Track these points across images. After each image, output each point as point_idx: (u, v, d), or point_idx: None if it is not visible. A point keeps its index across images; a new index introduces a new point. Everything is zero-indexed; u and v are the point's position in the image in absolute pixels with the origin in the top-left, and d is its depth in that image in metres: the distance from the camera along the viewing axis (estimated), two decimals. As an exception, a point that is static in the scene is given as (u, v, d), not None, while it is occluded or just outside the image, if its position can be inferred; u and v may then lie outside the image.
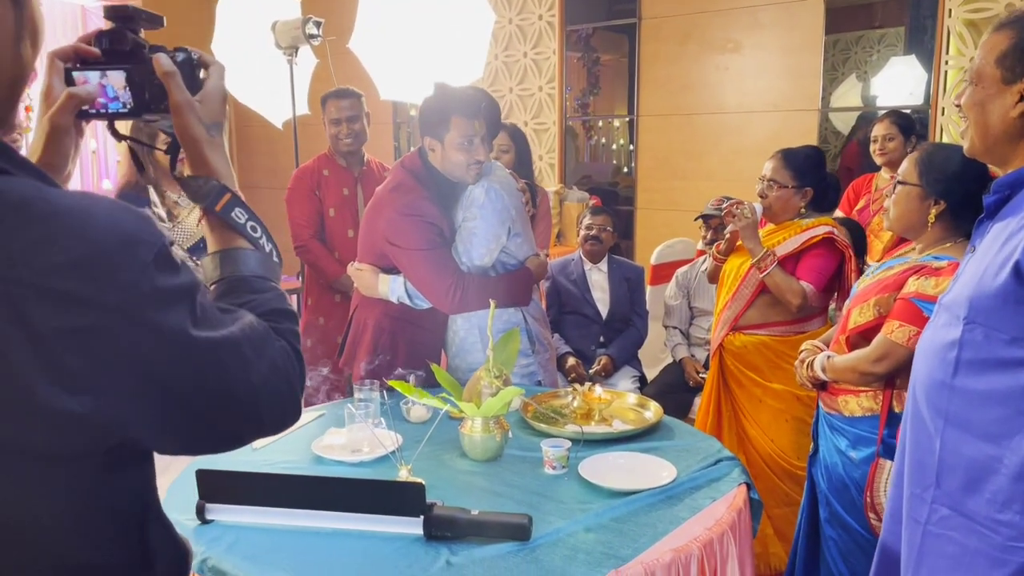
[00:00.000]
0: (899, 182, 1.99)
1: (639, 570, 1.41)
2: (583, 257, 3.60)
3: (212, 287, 0.92)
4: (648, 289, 3.84)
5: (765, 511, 2.59)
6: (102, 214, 0.70)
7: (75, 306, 0.66)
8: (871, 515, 1.98)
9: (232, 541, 1.51)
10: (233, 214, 0.94)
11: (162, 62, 0.92)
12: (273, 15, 3.78)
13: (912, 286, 1.89)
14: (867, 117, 4.48)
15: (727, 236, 2.88)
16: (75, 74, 0.92)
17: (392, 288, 2.33)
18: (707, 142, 4.96)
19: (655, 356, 3.97)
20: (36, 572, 0.74)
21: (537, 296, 2.52)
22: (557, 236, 5.15)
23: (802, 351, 2.22)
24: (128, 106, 0.94)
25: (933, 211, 1.92)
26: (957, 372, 1.36)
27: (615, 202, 5.44)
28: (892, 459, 1.95)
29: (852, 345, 2.05)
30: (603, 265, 3.60)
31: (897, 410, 1.96)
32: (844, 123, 4.70)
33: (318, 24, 3.69)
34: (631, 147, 5.44)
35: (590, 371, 3.40)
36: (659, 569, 1.43)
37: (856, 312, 2.04)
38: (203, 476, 1.57)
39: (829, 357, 2.08)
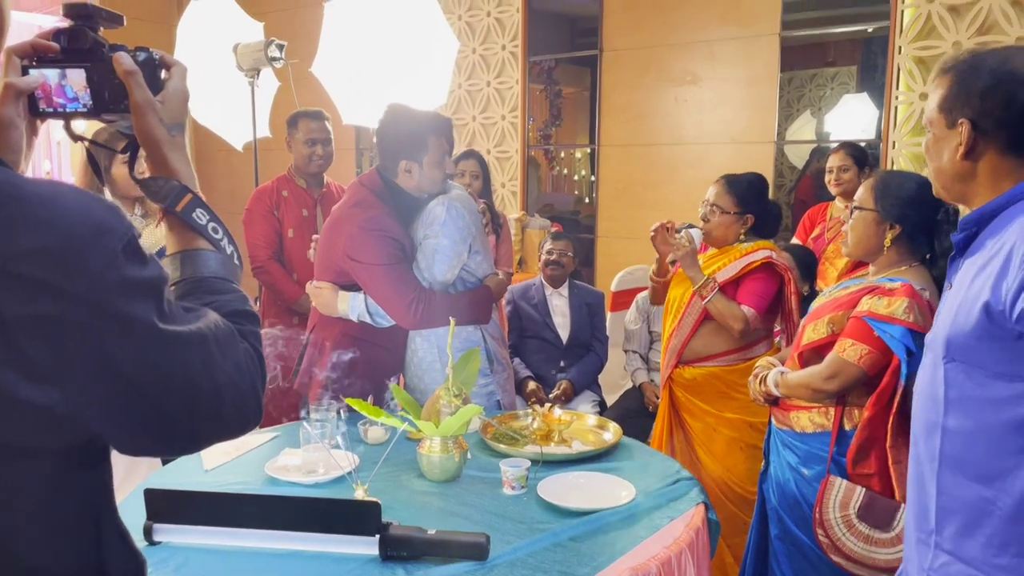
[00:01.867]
0: (856, 208, 2.03)
1: (597, 589, 1.40)
2: (544, 282, 3.61)
3: (172, 288, 0.90)
4: (608, 315, 3.86)
5: (723, 539, 2.59)
6: (72, 202, 0.69)
7: (41, 294, 0.65)
8: (819, 531, 1.99)
9: (180, 563, 1.46)
10: (194, 215, 0.92)
11: (123, 61, 0.90)
12: (235, 37, 3.78)
13: (865, 305, 1.93)
14: (821, 151, 4.59)
15: (663, 260, 2.88)
16: (32, 71, 0.90)
17: (352, 306, 2.31)
18: (666, 172, 5.03)
19: (615, 383, 3.98)
20: None
21: (496, 317, 2.52)
22: (519, 263, 5.16)
23: (757, 366, 2.24)
24: (87, 106, 0.93)
25: (889, 235, 1.97)
26: (947, 412, 1.36)
27: (576, 230, 5.48)
28: (843, 476, 1.98)
29: (805, 361, 2.07)
30: (564, 290, 3.61)
31: (847, 428, 1.99)
32: (799, 157, 4.81)
33: (281, 47, 3.69)
34: (592, 178, 5.49)
35: (550, 395, 3.39)
36: (618, 588, 1.42)
37: (810, 329, 2.07)
38: (151, 496, 1.53)
39: (782, 373, 2.10)
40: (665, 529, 1.64)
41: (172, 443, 0.80)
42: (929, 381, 1.42)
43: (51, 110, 0.93)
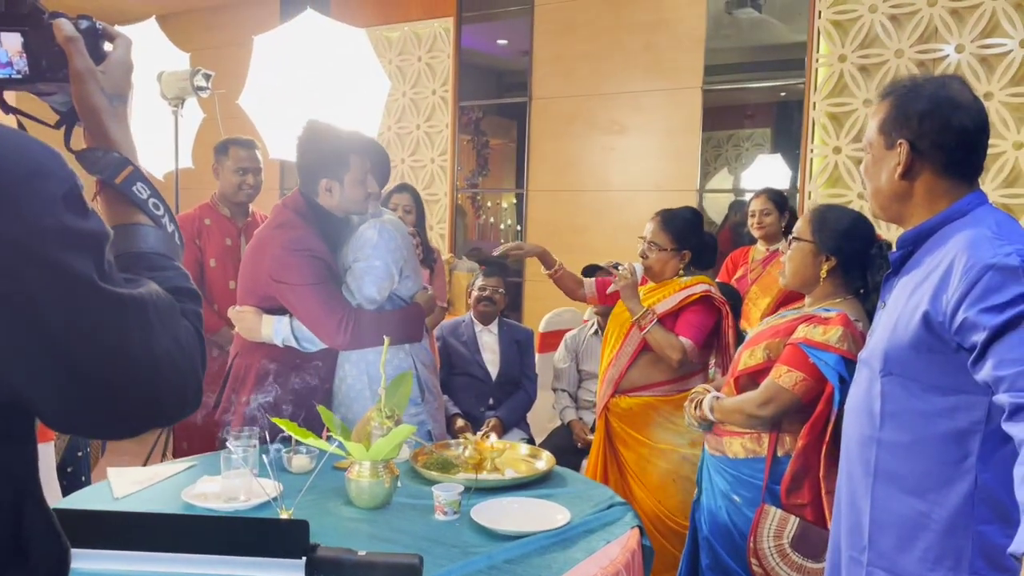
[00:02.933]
0: (794, 239, 2.09)
1: (535, 609, 1.36)
2: (474, 319, 3.58)
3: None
4: (536, 356, 3.84)
5: (653, 574, 2.56)
6: (9, 139, 0.64)
7: None
8: (753, 561, 1.99)
9: (87, 589, 1.35)
10: (134, 188, 0.87)
11: (64, 27, 0.86)
12: (160, 65, 3.69)
13: (801, 332, 1.97)
14: (738, 204, 4.76)
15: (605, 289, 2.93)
16: None
17: (276, 329, 2.23)
18: (592, 217, 5.12)
19: (542, 425, 3.95)
20: None
21: (428, 345, 2.47)
22: (447, 304, 5.13)
23: (693, 392, 2.25)
24: (23, 73, 0.87)
25: (824, 266, 2.02)
26: (883, 425, 1.38)
27: (504, 274, 5.49)
28: (776, 505, 1.99)
29: (741, 387, 2.10)
30: (494, 327, 3.59)
31: (780, 455, 2.01)
32: (717, 213, 4.98)
33: (207, 76, 3.61)
34: (519, 227, 5.54)
35: (479, 433, 3.33)
36: (555, 608, 1.38)
37: (747, 355, 2.10)
38: (62, 516, 1.41)
39: (717, 398, 2.12)
40: (601, 551, 1.61)
41: (99, 418, 0.73)
42: (864, 396, 1.45)
43: None
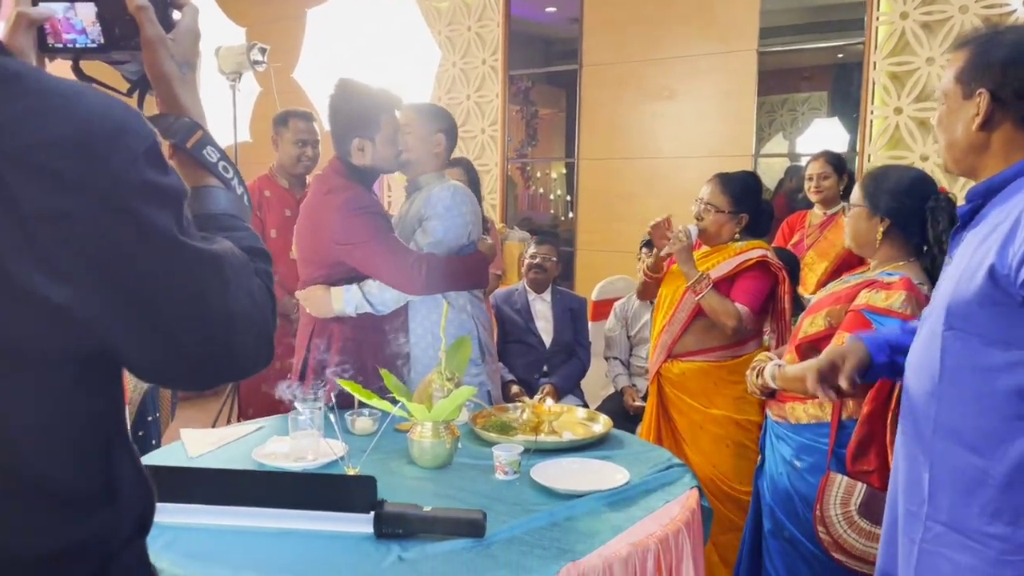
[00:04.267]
0: (851, 204, 2.06)
1: (597, 563, 1.39)
2: (527, 287, 3.61)
3: None
4: (590, 325, 3.86)
5: (710, 539, 2.57)
6: (95, 100, 0.67)
7: (59, 188, 0.63)
8: (820, 529, 1.99)
9: (169, 540, 1.42)
10: (205, 152, 0.91)
11: None
12: (217, 40, 3.76)
13: (863, 298, 1.94)
14: (794, 170, 4.67)
15: (660, 255, 2.89)
16: (41, 4, 0.89)
17: (347, 299, 2.26)
18: (644, 186, 5.08)
19: (595, 392, 3.97)
20: None
21: (485, 308, 2.50)
22: (500, 272, 5.17)
23: (755, 360, 2.24)
24: (96, 41, 0.91)
25: (879, 229, 1.99)
26: (942, 380, 1.36)
27: (556, 242, 5.49)
28: (842, 471, 1.97)
29: (803, 355, 2.08)
30: (547, 295, 3.61)
31: (844, 418, 1.99)
32: (771, 178, 4.89)
33: (263, 51, 3.67)
34: (568, 197, 5.53)
35: (535, 398, 3.37)
36: (616, 563, 1.41)
37: (808, 322, 2.08)
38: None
39: (780, 366, 2.11)
40: (661, 510, 1.63)
41: (178, 367, 0.77)
42: (924, 352, 1.43)
43: (60, 46, 0.91)
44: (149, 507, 0.83)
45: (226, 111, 3.77)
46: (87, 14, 0.90)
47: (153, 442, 2.82)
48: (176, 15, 0.95)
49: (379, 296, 2.27)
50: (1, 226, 0.62)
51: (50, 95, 0.65)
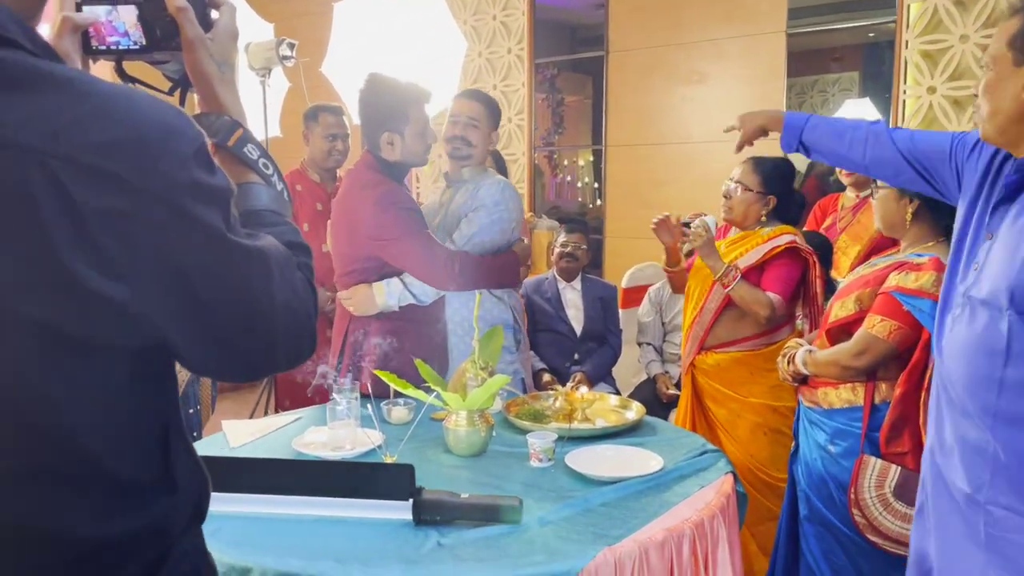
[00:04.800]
0: (878, 187, 2.04)
1: (633, 548, 1.40)
2: (557, 276, 3.62)
3: None
4: (620, 312, 3.85)
5: (747, 527, 2.56)
6: (145, 103, 0.70)
7: (115, 188, 0.66)
8: (855, 512, 1.99)
9: (214, 528, 1.46)
10: (246, 149, 0.94)
11: None
12: (246, 36, 3.80)
13: (893, 280, 1.93)
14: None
15: (678, 248, 2.88)
16: (85, 8, 0.92)
17: (389, 293, 2.29)
18: (673, 171, 5.05)
19: (627, 380, 3.97)
20: (60, 479, 0.72)
21: (519, 297, 2.52)
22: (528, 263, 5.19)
23: (786, 347, 2.24)
24: (139, 43, 0.94)
25: (909, 209, 1.97)
26: (1008, 365, 1.31)
27: (586, 230, 5.49)
28: (876, 455, 1.96)
29: (833, 339, 2.07)
30: (577, 283, 3.62)
31: (877, 402, 1.98)
32: (802, 161, 4.83)
33: (292, 46, 3.71)
34: (596, 184, 5.51)
35: (567, 385, 3.38)
36: (652, 548, 1.42)
37: (837, 306, 2.07)
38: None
39: (810, 351, 2.10)
40: (696, 495, 1.64)
41: (226, 360, 0.80)
42: (979, 336, 1.37)
43: (103, 48, 0.94)
44: (205, 495, 0.86)
45: (256, 107, 3.82)
46: (129, 17, 0.93)
47: (195, 434, 2.88)
48: (214, 14, 0.98)
49: (421, 286, 2.30)
50: (60, 225, 0.64)
51: (106, 99, 0.68)
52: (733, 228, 2.79)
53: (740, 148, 2.05)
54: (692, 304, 2.81)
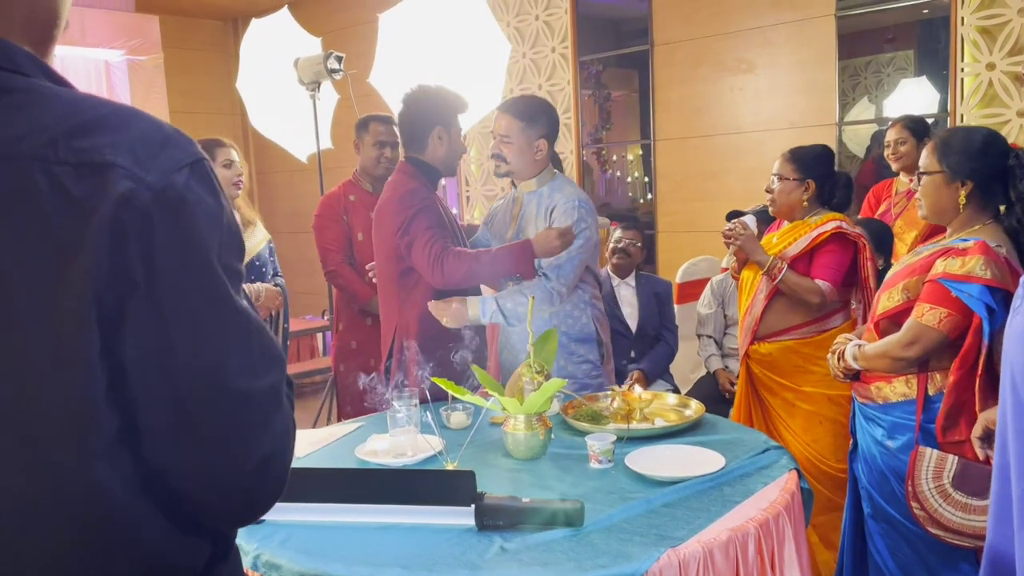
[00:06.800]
0: (922, 173, 1.99)
1: (697, 549, 1.39)
2: (611, 273, 3.60)
3: None
4: (676, 308, 3.82)
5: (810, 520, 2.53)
6: (147, 117, 0.74)
7: (117, 176, 0.68)
8: (914, 504, 1.94)
9: (284, 537, 1.50)
10: None
11: None
12: (295, 52, 3.88)
13: (939, 267, 1.89)
14: (881, 135, 4.50)
15: (735, 256, 2.88)
16: None
17: (483, 309, 2.36)
18: (725, 162, 4.98)
19: (685, 376, 3.94)
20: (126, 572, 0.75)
21: (601, 308, 2.55)
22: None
23: (835, 343, 2.20)
24: None
25: (962, 192, 1.92)
26: None
27: (640, 227, 5.46)
28: (932, 446, 1.92)
29: (882, 331, 2.03)
30: (631, 280, 3.60)
31: (931, 394, 1.93)
32: (859, 145, 4.72)
33: (339, 59, 3.77)
34: (646, 179, 5.47)
35: (624, 385, 3.37)
36: (716, 548, 1.41)
37: (884, 297, 2.03)
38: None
39: (860, 346, 2.06)
40: (760, 493, 1.62)
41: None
42: None
43: None
44: (239, 562, 0.89)
45: (307, 120, 3.90)
46: None
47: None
48: None
49: (513, 308, 2.36)
50: (75, 228, 0.67)
51: (108, 113, 0.72)
52: (784, 222, 2.77)
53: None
54: (745, 295, 2.81)
